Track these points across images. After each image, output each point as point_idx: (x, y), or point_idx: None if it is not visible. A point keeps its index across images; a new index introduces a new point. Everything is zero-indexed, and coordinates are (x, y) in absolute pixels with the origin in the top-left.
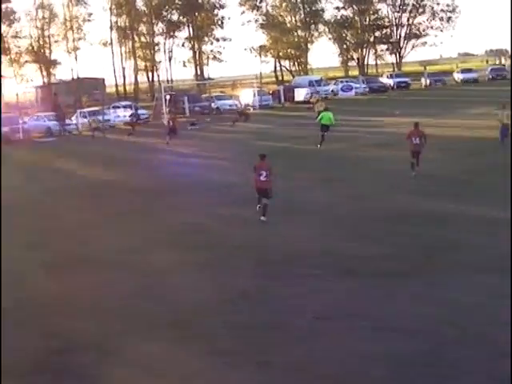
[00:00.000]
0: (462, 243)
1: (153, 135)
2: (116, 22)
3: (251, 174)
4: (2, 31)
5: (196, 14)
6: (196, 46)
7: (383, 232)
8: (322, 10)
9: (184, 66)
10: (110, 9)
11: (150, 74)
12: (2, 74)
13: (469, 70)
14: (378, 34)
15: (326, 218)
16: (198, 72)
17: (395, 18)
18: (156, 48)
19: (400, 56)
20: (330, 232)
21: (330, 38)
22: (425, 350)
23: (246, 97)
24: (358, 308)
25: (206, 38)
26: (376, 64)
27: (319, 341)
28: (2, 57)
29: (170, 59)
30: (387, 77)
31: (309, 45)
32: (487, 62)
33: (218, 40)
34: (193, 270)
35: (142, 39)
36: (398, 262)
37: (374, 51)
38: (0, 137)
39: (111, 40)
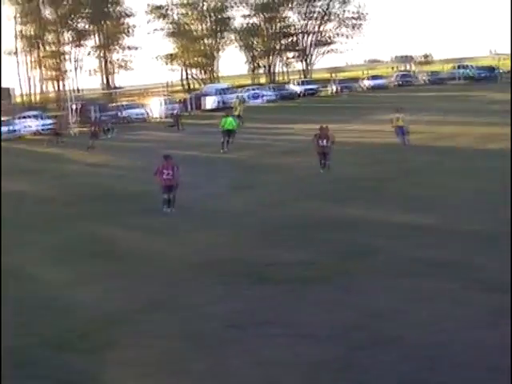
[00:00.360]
0: (376, 248)
1: (61, 145)
2: (21, 31)
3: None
4: None
5: (104, 22)
6: (105, 54)
7: (295, 239)
8: (230, 18)
9: (94, 74)
10: (15, 17)
11: (58, 83)
12: None
13: (377, 77)
14: (285, 41)
15: (238, 225)
16: (109, 81)
17: (303, 26)
18: (64, 57)
19: (308, 63)
20: (241, 240)
21: (238, 46)
22: (339, 355)
23: (156, 105)
24: (270, 315)
25: (115, 47)
26: (286, 71)
27: (231, 349)
28: None
29: (78, 68)
30: (296, 84)
31: (217, 53)
32: (397, 68)
33: (127, 48)
34: (102, 280)
35: (49, 48)
36: (311, 268)
37: (282, 58)
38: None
39: (16, 49)
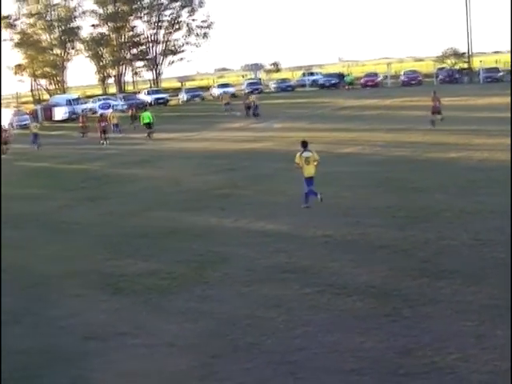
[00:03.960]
0: (231, 256)
1: None
2: None
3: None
4: None
5: None
6: None
7: (151, 248)
8: (78, 28)
9: None
10: None
11: None
12: None
13: (227, 85)
14: (134, 50)
15: (93, 236)
16: None
17: (151, 35)
18: None
19: (157, 72)
20: (96, 251)
21: (87, 56)
22: (198, 364)
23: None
24: (129, 326)
25: None
26: (134, 81)
27: (93, 361)
28: None
29: None
30: (145, 93)
31: (66, 63)
32: (244, 76)
33: None
34: None
35: None
36: (167, 277)
37: (131, 68)
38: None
39: None
